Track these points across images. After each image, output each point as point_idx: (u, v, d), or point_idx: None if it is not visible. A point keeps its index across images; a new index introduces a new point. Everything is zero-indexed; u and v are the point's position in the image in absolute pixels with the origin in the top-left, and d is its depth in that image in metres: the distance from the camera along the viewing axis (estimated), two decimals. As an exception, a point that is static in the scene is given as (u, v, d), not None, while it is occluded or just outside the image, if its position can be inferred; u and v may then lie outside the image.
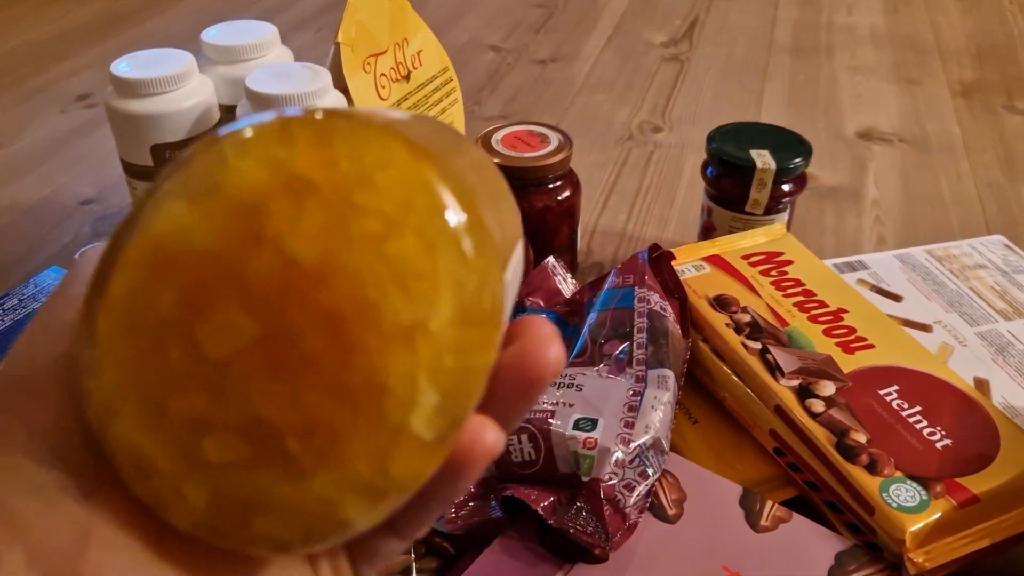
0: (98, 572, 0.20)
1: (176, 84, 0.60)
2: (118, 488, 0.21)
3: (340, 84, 0.63)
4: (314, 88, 0.58)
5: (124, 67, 0.60)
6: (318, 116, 0.19)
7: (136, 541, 0.20)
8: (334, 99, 0.61)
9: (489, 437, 0.21)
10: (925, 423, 0.49)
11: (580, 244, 0.70)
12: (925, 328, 0.62)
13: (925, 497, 0.45)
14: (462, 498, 0.46)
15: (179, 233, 0.18)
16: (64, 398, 0.21)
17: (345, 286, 0.18)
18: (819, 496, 0.49)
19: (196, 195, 0.18)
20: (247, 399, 0.18)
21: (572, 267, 0.68)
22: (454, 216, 0.18)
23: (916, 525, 0.44)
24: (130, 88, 0.59)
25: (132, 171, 0.62)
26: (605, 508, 0.43)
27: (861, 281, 0.66)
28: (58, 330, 0.22)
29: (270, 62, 0.66)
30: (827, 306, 0.56)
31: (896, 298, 0.65)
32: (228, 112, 0.65)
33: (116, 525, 0.20)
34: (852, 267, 0.68)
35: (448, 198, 0.18)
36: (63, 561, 0.19)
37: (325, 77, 0.59)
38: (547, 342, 0.22)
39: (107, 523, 0.20)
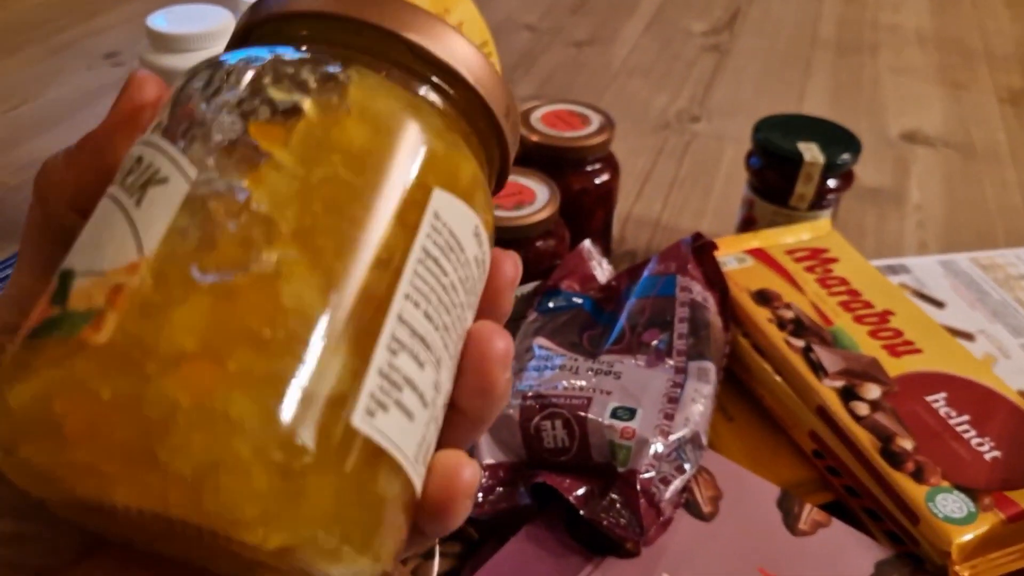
0: None
1: (212, 41, 0.58)
2: None
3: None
4: (213, 29, 0.56)
5: (161, 21, 0.58)
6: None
7: None
8: None
9: (465, 475, 0.19)
10: (974, 433, 0.47)
11: (614, 231, 0.68)
12: (968, 337, 0.60)
13: (973, 509, 0.43)
14: (490, 482, 0.45)
15: None
16: None
17: None
18: (858, 502, 0.47)
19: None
20: None
21: (606, 253, 0.66)
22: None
23: (963, 537, 0.42)
24: (165, 43, 0.58)
25: (162, 129, 0.61)
26: (640, 501, 0.41)
27: (902, 285, 0.64)
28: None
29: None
30: (873, 307, 0.54)
31: (938, 304, 0.63)
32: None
33: None
34: (893, 270, 0.65)
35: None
36: None
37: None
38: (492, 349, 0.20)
39: None
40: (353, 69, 0.19)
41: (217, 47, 0.58)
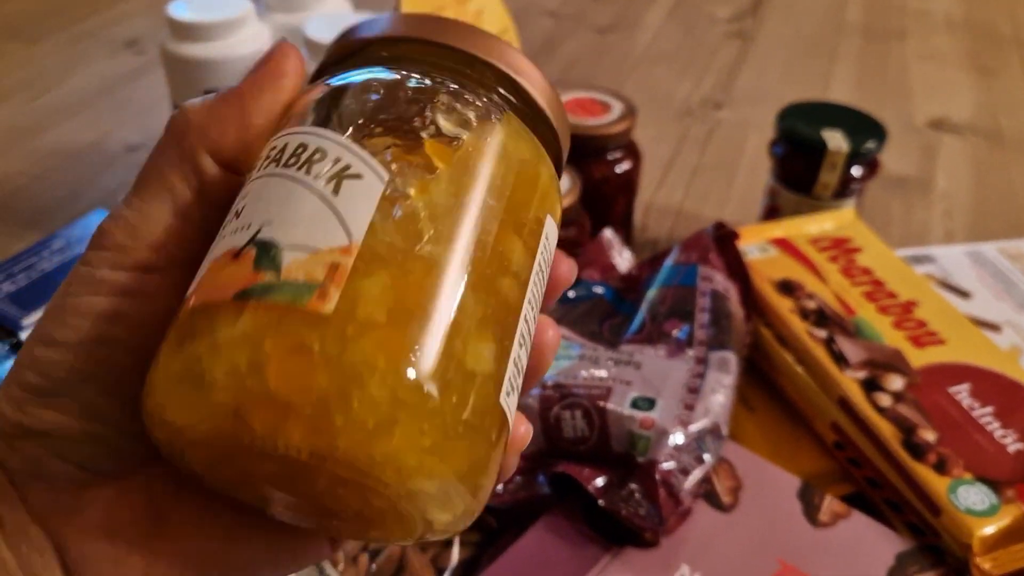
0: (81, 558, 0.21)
1: (233, 30, 0.58)
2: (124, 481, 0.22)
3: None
4: (234, 17, 0.56)
5: (182, 10, 0.58)
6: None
7: (129, 533, 0.21)
8: (256, 30, 0.58)
9: (522, 429, 0.23)
10: (997, 425, 0.46)
11: (635, 220, 0.68)
12: (994, 327, 0.59)
13: (995, 501, 0.43)
14: (509, 471, 0.45)
15: None
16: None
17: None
18: (879, 494, 0.46)
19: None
20: None
21: (627, 242, 0.66)
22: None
23: (984, 530, 0.42)
24: (186, 31, 0.58)
25: (184, 117, 0.61)
26: (660, 491, 0.41)
27: (928, 275, 0.63)
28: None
29: (329, 11, 0.64)
30: (897, 297, 0.53)
31: (964, 295, 0.62)
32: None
33: (110, 516, 0.21)
34: (919, 260, 0.65)
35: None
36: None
37: (386, 30, 0.57)
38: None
39: (102, 513, 0.21)
40: (506, 115, 0.23)
41: (237, 36, 0.58)
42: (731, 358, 0.47)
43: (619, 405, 0.43)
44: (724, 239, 0.53)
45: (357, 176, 0.20)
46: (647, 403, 0.43)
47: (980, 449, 0.45)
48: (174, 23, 0.58)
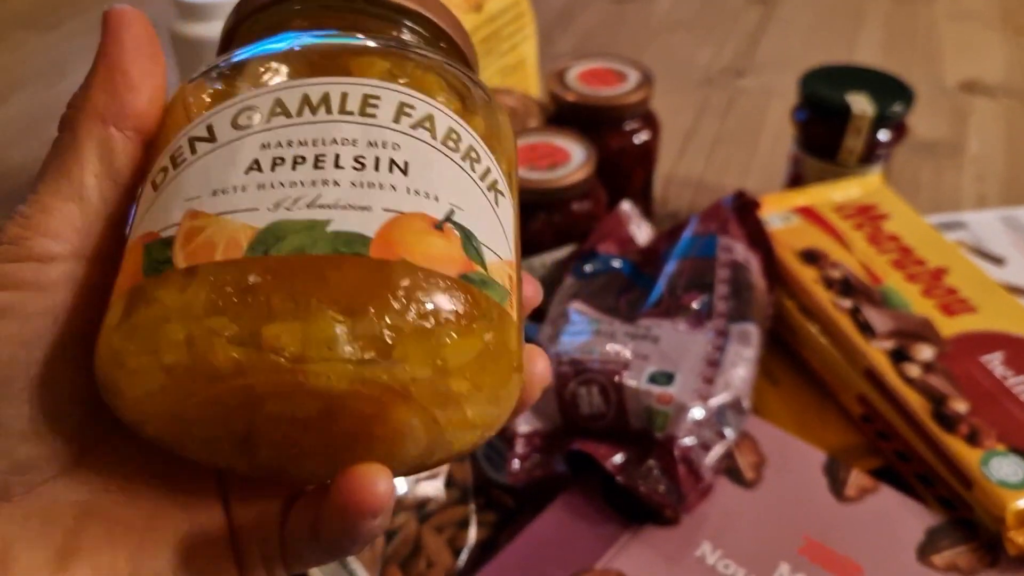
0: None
1: (241, 8, 0.57)
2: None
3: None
4: None
5: (189, -11, 0.58)
6: None
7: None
8: None
9: (379, 486, 0.19)
10: (1032, 395, 0.45)
11: (655, 191, 0.67)
12: (1029, 294, 0.57)
13: (1031, 474, 0.41)
14: (525, 450, 0.44)
15: None
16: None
17: None
18: (908, 467, 0.45)
19: None
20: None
21: (646, 215, 0.64)
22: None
23: (1018, 503, 0.40)
24: (193, 12, 0.57)
25: (195, 99, 0.61)
26: (679, 468, 0.40)
27: (959, 242, 0.61)
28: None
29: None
30: (926, 264, 0.52)
31: (997, 261, 0.60)
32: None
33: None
34: (949, 227, 0.63)
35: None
36: None
37: (395, 3, 0.56)
38: None
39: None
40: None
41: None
42: (752, 330, 0.46)
43: (636, 380, 0.42)
44: (744, 208, 0.51)
45: (503, 194, 0.21)
46: (665, 378, 0.42)
47: (1014, 419, 0.43)
48: (180, 3, 0.57)
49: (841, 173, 0.60)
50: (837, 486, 0.43)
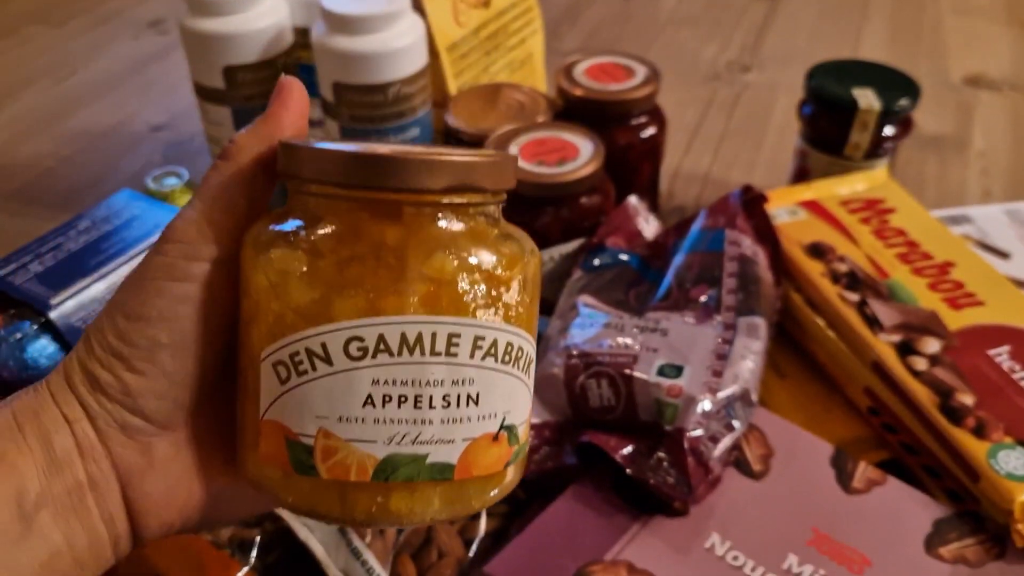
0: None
1: (250, 3, 0.58)
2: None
3: (418, 5, 0.61)
4: (392, 9, 0.56)
5: (198, -15, 0.58)
6: None
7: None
8: (411, 22, 0.58)
9: None
10: (1039, 388, 0.45)
11: (662, 186, 0.67)
12: (1035, 288, 0.57)
13: (1037, 466, 0.41)
14: (535, 442, 0.44)
15: None
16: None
17: None
18: (916, 460, 0.45)
19: None
20: None
21: (653, 209, 0.64)
22: None
23: (1026, 496, 0.40)
24: (203, 7, 0.57)
25: (204, 94, 0.61)
26: (688, 459, 0.41)
27: (965, 236, 0.61)
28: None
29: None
30: (933, 258, 0.52)
31: (1003, 255, 0.60)
32: (302, 35, 0.62)
33: (165, 463, 0.27)
34: (955, 220, 0.63)
35: None
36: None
37: (404, -1, 0.57)
38: None
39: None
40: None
41: (254, 9, 0.58)
42: (760, 323, 0.46)
43: (646, 373, 0.43)
44: (752, 203, 0.52)
45: (534, 359, 0.27)
46: (674, 370, 0.43)
47: (1021, 412, 0.44)
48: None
49: (847, 167, 0.61)
50: (844, 478, 0.43)
